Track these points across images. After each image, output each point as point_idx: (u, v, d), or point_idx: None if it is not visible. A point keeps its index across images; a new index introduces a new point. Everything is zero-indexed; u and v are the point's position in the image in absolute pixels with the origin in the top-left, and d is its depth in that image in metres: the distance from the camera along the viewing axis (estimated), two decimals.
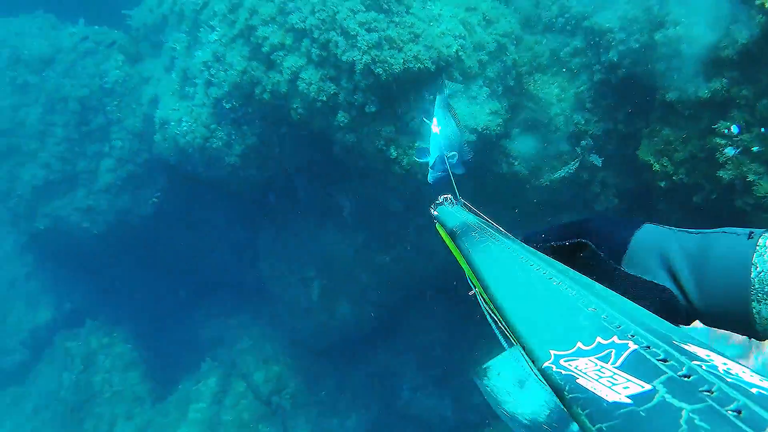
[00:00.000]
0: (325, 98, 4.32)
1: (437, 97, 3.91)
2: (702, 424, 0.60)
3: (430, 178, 3.48)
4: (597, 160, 4.70)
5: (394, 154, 4.34)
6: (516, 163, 4.82)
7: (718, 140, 2.85)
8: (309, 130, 4.82)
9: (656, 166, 3.32)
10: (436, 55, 4.14)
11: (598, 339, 0.86)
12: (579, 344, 0.88)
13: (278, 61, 4.45)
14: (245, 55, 4.66)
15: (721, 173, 2.82)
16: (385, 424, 7.15)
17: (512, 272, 1.24)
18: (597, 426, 0.67)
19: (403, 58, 3.99)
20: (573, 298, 1.01)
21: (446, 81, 4.33)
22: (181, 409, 7.16)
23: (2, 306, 8.62)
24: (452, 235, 1.80)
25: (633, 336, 0.83)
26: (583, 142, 4.39)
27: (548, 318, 1.00)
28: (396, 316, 6.81)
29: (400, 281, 6.31)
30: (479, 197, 5.00)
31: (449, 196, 2.34)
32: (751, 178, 2.64)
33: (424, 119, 3.88)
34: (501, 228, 1.72)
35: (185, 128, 5.44)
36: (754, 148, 2.66)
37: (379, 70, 3.98)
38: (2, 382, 8.36)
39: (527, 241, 1.45)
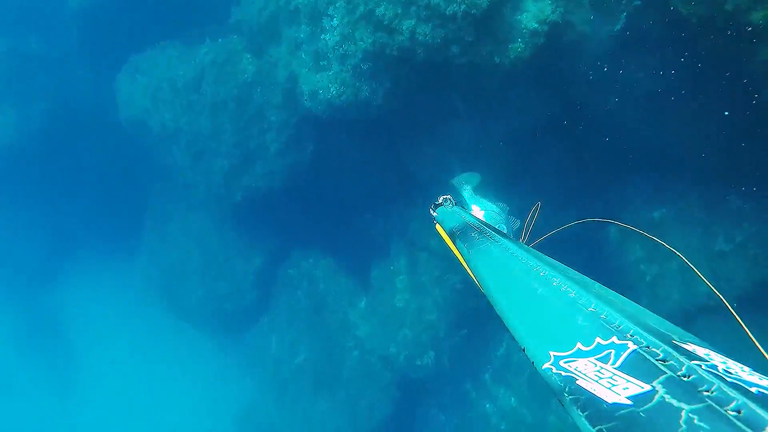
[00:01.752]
0: (439, 40, 6.25)
1: (461, 193, 5.42)
2: (701, 424, 0.62)
3: None
4: (638, 1, 6.36)
5: (498, 59, 6.26)
6: (580, 27, 6.57)
7: None
8: (428, 63, 6.77)
9: (684, 10, 5.06)
10: None
11: (598, 339, 0.88)
12: (579, 345, 0.90)
13: (397, 27, 6.37)
14: (371, 30, 6.60)
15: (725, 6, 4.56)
16: None
17: (511, 273, 1.31)
18: (597, 427, 0.71)
19: None
20: (572, 298, 1.04)
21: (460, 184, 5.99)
22: (390, 284, 9.80)
23: (228, 264, 11.53)
24: (452, 235, 1.94)
25: (632, 336, 0.85)
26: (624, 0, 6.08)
27: (547, 319, 1.05)
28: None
29: (511, 135, 8.29)
30: (559, 64, 6.82)
31: (449, 196, 2.50)
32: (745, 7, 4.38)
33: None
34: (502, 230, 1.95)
35: (335, 92, 7.53)
36: None
37: (474, 11, 5.84)
38: (254, 315, 11.43)
39: None
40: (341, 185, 10.47)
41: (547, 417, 8.92)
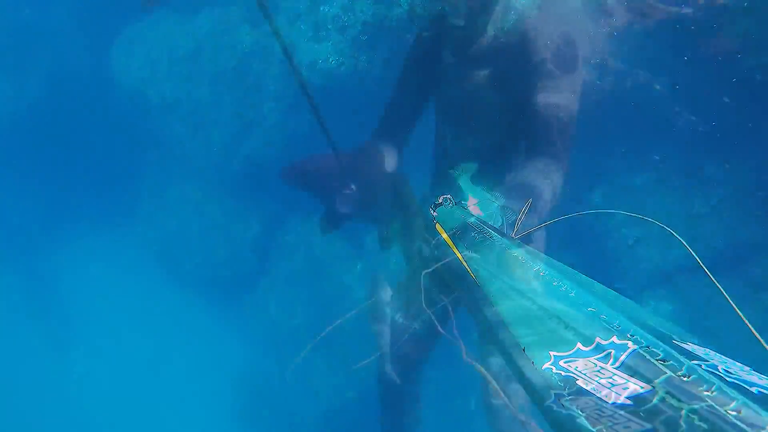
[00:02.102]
0: (435, 13, 6.55)
1: (459, 181, 5.66)
2: (701, 423, 0.63)
3: None
4: None
5: (492, 32, 6.58)
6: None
7: None
8: (424, 35, 7.06)
9: None
10: None
11: (598, 339, 0.87)
12: (579, 345, 0.90)
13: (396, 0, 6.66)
14: (371, 3, 6.88)
15: None
16: None
17: (511, 273, 1.32)
18: (597, 427, 0.71)
19: None
20: (572, 299, 1.04)
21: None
22: (384, 248, 10.21)
23: (226, 232, 11.86)
24: (452, 235, 1.95)
25: (632, 335, 0.85)
26: None
27: (547, 319, 1.01)
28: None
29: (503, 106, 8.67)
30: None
31: (449, 195, 2.51)
32: None
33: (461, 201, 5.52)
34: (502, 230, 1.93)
35: (335, 63, 7.81)
36: None
37: None
38: (253, 280, 11.80)
39: None
40: (338, 153, 10.75)
41: None
